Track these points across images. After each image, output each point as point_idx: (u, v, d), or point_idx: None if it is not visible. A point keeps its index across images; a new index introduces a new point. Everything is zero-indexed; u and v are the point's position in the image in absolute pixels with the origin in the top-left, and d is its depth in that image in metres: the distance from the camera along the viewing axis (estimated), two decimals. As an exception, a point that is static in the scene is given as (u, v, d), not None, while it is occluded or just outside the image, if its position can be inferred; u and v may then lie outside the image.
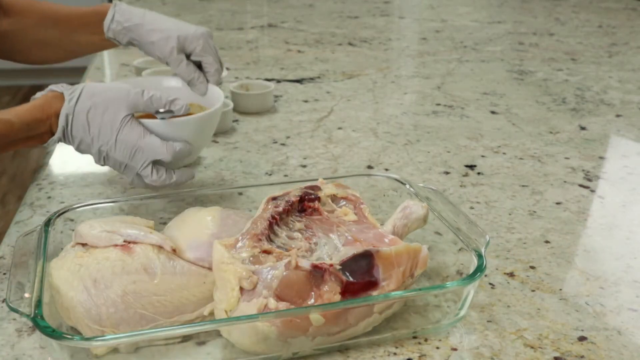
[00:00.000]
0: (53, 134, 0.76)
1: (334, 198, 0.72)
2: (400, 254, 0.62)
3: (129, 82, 0.86)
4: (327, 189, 0.72)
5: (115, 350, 0.58)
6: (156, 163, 0.76)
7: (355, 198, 0.72)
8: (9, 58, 0.93)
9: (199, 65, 0.88)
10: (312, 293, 0.58)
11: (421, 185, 0.77)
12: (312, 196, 0.70)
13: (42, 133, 0.75)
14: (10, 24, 0.90)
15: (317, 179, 0.75)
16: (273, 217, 0.66)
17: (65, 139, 0.76)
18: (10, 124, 0.72)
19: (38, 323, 0.53)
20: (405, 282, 0.62)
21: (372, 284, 0.60)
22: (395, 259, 0.62)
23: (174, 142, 0.76)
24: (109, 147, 0.74)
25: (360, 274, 0.60)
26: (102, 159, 0.76)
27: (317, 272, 0.59)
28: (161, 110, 0.78)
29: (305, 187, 0.72)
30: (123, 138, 0.74)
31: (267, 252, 0.61)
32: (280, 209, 0.67)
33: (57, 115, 0.74)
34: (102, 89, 0.76)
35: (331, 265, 0.59)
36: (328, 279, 0.59)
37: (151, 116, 0.82)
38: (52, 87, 0.77)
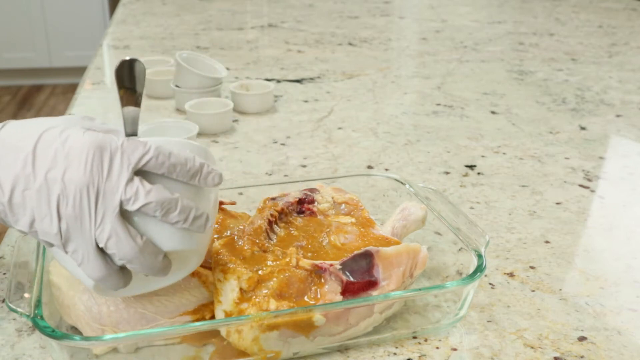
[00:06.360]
0: None
1: (334, 202, 0.72)
2: (400, 254, 0.62)
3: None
4: (326, 193, 0.72)
5: (115, 350, 0.58)
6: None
7: (354, 201, 0.72)
8: None
9: None
10: (313, 293, 0.58)
11: (421, 185, 0.77)
12: (311, 198, 0.70)
13: None
14: None
15: (317, 179, 0.75)
16: (272, 216, 0.66)
17: None
18: None
19: (38, 323, 0.53)
20: (405, 282, 0.62)
21: (372, 284, 0.60)
22: (395, 259, 0.62)
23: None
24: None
25: (360, 273, 0.60)
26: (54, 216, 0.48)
27: (318, 272, 0.59)
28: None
29: (304, 190, 0.72)
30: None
31: (266, 251, 0.61)
32: (279, 208, 0.67)
33: None
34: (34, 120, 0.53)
35: (331, 264, 0.59)
36: (328, 279, 0.59)
37: None
38: None
